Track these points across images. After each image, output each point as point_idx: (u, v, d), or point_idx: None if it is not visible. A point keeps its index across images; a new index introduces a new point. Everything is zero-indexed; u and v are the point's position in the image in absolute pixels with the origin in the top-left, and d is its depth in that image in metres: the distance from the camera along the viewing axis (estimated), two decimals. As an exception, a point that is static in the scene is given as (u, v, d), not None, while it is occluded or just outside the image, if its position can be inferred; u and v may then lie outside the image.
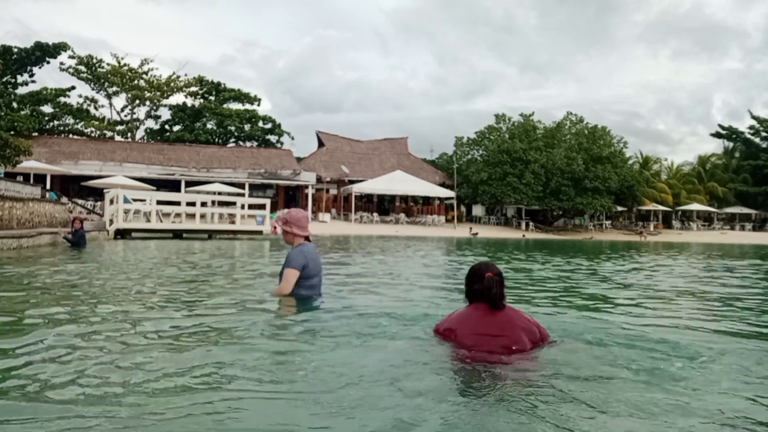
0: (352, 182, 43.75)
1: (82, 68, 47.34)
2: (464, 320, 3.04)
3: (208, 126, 50.48)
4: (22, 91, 43.59)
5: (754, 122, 58.68)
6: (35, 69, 44.42)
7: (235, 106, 51.98)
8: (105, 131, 48.49)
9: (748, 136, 59.61)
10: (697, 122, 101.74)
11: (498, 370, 2.66)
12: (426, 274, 9.03)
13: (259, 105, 53.12)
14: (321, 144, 49.81)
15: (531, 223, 46.72)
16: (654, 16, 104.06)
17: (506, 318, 2.98)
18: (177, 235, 20.36)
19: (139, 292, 5.46)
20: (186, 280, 6.73)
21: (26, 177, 29.83)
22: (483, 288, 2.97)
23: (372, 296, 5.67)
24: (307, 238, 4.84)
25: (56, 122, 46.43)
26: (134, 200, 21.24)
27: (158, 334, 3.43)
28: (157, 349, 3.03)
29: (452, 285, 7.12)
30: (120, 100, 50.54)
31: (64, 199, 28.68)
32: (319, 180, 43.70)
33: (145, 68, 49.60)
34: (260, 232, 23.63)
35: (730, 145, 62.23)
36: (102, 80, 48.05)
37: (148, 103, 50.78)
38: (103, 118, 49.63)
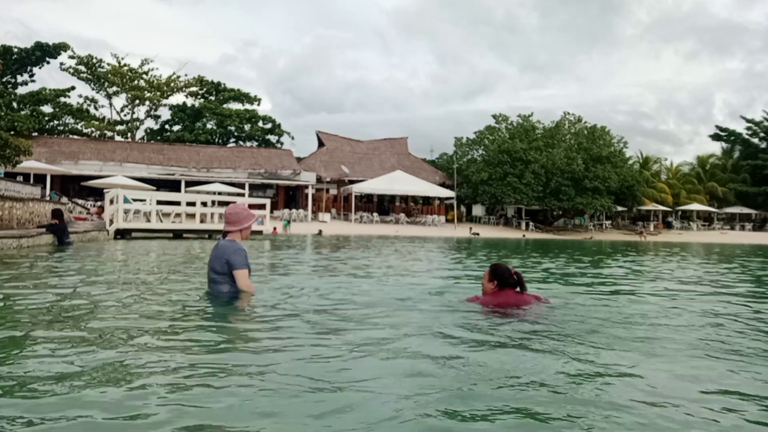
0: (352, 182, 43.76)
1: (82, 68, 47.40)
2: (502, 297, 4.49)
3: (208, 126, 50.52)
4: (22, 91, 43.69)
5: (749, 125, 58.88)
6: (35, 69, 44.49)
7: (235, 106, 52.03)
8: (105, 131, 48.55)
9: (747, 136, 59.68)
10: (700, 122, 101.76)
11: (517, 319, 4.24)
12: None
13: (259, 105, 53.29)
14: (321, 144, 49.82)
15: (531, 223, 46.72)
16: (656, 16, 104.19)
17: (525, 296, 4.57)
18: (177, 235, 20.34)
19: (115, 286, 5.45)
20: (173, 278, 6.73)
21: (26, 177, 29.85)
22: (517, 281, 4.54)
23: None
24: (224, 234, 4.91)
25: (56, 122, 46.48)
26: (134, 200, 21.22)
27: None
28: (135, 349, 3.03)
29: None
30: (120, 100, 50.68)
31: (64, 199, 28.69)
32: (319, 180, 43.72)
33: (145, 68, 49.70)
34: (260, 232, 23.63)
35: (729, 145, 62.29)
36: (102, 80, 48.11)
37: (148, 103, 50.82)
38: (103, 118, 49.70)
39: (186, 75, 52.17)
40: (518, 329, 3.77)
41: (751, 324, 4.42)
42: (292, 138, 55.94)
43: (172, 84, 50.87)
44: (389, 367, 2.79)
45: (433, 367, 2.78)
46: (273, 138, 52.17)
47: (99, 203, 29.02)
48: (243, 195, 35.44)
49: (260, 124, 51.65)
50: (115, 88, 48.92)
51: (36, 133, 41.39)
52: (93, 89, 49.01)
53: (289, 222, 32.50)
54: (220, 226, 23.32)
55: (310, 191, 41.99)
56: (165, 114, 52.23)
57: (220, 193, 32.39)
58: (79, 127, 47.05)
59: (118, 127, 50.55)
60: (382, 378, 2.57)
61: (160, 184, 34.57)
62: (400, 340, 3.39)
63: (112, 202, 19.23)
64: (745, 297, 6.47)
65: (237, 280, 4.69)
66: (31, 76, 44.48)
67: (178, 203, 23.33)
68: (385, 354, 3.04)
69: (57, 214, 12.67)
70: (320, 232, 30.08)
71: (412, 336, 3.55)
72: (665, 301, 5.76)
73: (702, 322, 4.44)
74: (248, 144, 50.99)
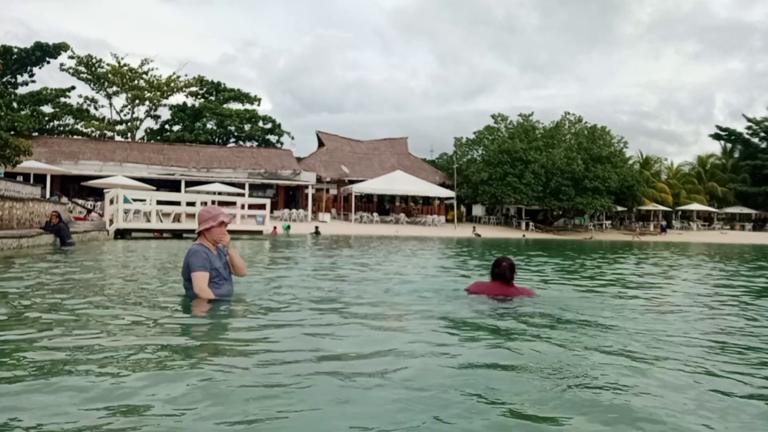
0: (352, 182, 43.74)
1: (82, 68, 47.37)
2: (489, 287, 5.11)
3: (208, 126, 50.49)
4: (22, 91, 43.64)
5: (750, 123, 58.85)
6: (35, 69, 44.44)
7: (235, 106, 52.00)
8: (105, 131, 48.51)
9: (747, 136, 59.63)
10: (700, 122, 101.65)
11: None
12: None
13: (259, 105, 53.24)
14: (321, 144, 49.81)
15: (531, 223, 46.70)
16: (656, 16, 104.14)
17: (510, 288, 5.04)
18: (177, 235, 20.33)
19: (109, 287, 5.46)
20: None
21: (26, 177, 29.82)
22: (500, 272, 5.01)
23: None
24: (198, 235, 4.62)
25: (56, 122, 46.44)
26: (134, 200, 21.21)
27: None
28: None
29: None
30: (120, 100, 50.64)
31: (64, 199, 28.70)
32: (319, 180, 43.70)
33: (145, 68, 49.67)
34: (260, 232, 23.64)
35: (729, 145, 62.24)
36: (102, 80, 48.08)
37: (147, 103, 50.79)
38: (103, 118, 49.67)
39: (186, 75, 52.21)
40: (504, 322, 3.99)
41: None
42: (292, 138, 55.96)
43: (172, 84, 50.85)
44: (384, 365, 2.79)
45: (419, 365, 2.79)
46: (273, 138, 52.14)
47: (96, 210, 28.93)
48: (243, 195, 35.42)
49: (260, 124, 51.61)
50: (115, 88, 48.89)
51: (36, 133, 41.36)
52: (93, 89, 49.02)
53: (289, 225, 32.44)
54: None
55: (310, 191, 41.98)
56: (165, 114, 52.28)
57: (220, 193, 32.37)
58: (79, 127, 47.02)
59: (118, 127, 50.53)
60: (378, 375, 2.57)
61: (160, 184, 34.55)
62: (392, 337, 3.40)
63: (112, 202, 19.23)
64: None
65: (192, 282, 4.36)
66: (31, 76, 44.46)
67: (178, 203, 23.32)
68: (378, 351, 3.04)
69: (57, 216, 12.93)
70: (317, 229, 29.43)
71: (404, 331, 3.57)
72: (651, 302, 5.90)
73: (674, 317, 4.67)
74: (248, 144, 50.96)
